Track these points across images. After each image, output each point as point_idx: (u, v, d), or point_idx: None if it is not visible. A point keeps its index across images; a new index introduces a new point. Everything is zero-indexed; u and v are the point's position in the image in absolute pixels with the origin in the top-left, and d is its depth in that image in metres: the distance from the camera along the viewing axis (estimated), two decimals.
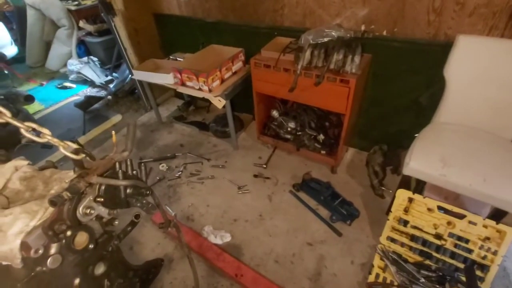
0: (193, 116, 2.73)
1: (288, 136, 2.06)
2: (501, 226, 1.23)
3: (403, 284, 1.32)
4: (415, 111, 1.70)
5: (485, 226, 1.27)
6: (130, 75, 2.84)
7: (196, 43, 2.38)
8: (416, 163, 1.31)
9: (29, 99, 2.94)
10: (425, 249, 1.38)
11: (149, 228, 1.73)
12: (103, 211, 0.65)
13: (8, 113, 0.53)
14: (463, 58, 1.34)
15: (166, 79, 2.07)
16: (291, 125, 2.02)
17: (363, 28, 1.62)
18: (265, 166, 2.08)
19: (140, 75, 2.25)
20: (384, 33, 1.57)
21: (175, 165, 2.17)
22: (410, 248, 1.42)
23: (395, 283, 1.34)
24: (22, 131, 0.54)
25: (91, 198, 0.62)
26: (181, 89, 2.05)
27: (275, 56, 1.71)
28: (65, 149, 0.58)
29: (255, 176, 2.01)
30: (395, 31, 1.54)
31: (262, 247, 1.59)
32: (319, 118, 2.02)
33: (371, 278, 1.38)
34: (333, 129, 2.01)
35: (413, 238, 1.41)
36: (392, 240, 1.46)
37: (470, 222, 1.29)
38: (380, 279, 1.38)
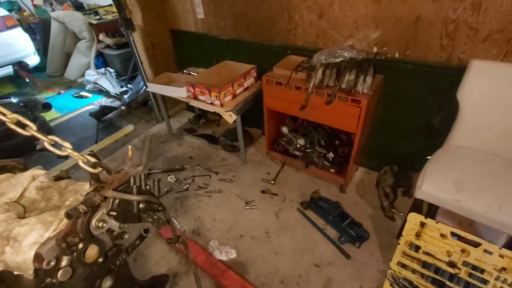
0: (203, 129, 2.76)
1: (297, 153, 2.06)
2: None
3: None
4: (427, 133, 1.68)
5: (501, 256, 1.22)
6: (144, 87, 2.92)
7: (210, 59, 2.44)
8: (429, 186, 1.28)
9: (47, 106, 3.05)
10: (437, 277, 1.33)
11: (154, 240, 1.72)
12: (114, 224, 0.66)
13: (34, 127, 0.56)
14: (477, 83, 1.33)
15: (179, 92, 2.12)
16: (301, 142, 2.03)
17: (375, 49, 1.64)
18: (273, 182, 2.07)
19: (154, 88, 2.31)
20: (397, 55, 1.58)
21: (183, 177, 2.19)
22: (422, 275, 1.36)
23: None
24: (45, 144, 0.56)
25: (104, 212, 0.62)
26: (193, 103, 2.09)
27: (287, 74, 1.74)
28: (84, 163, 0.59)
29: (263, 192, 2.00)
30: (408, 53, 1.55)
31: (267, 265, 1.55)
32: (329, 136, 2.02)
33: None
34: (343, 147, 2.00)
35: (425, 265, 1.36)
36: (403, 265, 1.41)
37: (485, 250, 1.23)
38: None
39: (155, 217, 0.68)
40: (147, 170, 2.26)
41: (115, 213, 0.63)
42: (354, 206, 1.84)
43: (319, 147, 1.97)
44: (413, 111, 1.69)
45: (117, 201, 0.64)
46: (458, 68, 1.38)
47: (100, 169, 0.62)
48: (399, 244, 1.40)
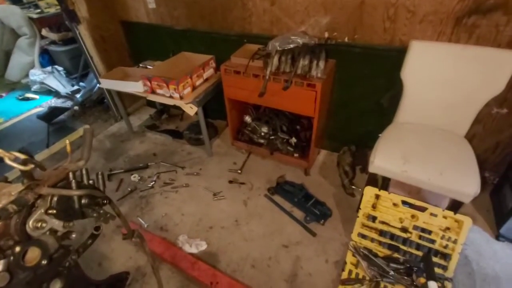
0: (166, 124, 2.68)
1: (262, 141, 2.09)
2: (458, 216, 1.32)
3: (374, 278, 1.37)
4: (378, 113, 1.79)
5: (445, 217, 1.36)
6: (97, 84, 2.74)
7: (166, 51, 2.36)
8: (380, 161, 1.38)
9: None
10: (393, 242, 1.45)
11: (119, 242, 1.66)
12: (56, 224, 0.62)
13: None
14: (416, 62, 1.44)
15: (135, 87, 2.02)
16: (264, 129, 2.05)
17: (326, 35, 1.69)
18: (240, 171, 2.08)
19: (107, 84, 2.18)
20: (346, 39, 1.65)
21: (147, 175, 2.11)
22: (380, 242, 1.48)
23: (367, 278, 1.39)
24: None
25: (43, 211, 0.58)
26: (151, 97, 2.01)
27: (245, 62, 1.74)
28: (10, 160, 0.55)
29: (230, 182, 2.01)
30: (356, 37, 1.62)
31: (238, 252, 1.58)
32: (291, 122, 2.07)
33: (345, 275, 1.41)
34: (305, 132, 2.07)
35: (381, 233, 1.47)
36: (363, 236, 1.51)
37: (431, 214, 1.37)
38: (353, 275, 1.42)
39: (101, 211, 0.65)
40: (108, 171, 2.15)
41: (54, 211, 0.59)
42: (318, 187, 1.92)
43: (281, 133, 2.01)
44: (364, 92, 1.79)
45: (55, 198, 0.60)
46: (400, 50, 1.48)
47: (32, 165, 0.57)
48: (358, 216, 1.50)
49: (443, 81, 1.43)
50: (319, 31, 1.71)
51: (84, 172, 0.68)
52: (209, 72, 2.12)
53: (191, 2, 2.04)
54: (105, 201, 0.65)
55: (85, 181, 0.67)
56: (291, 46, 1.59)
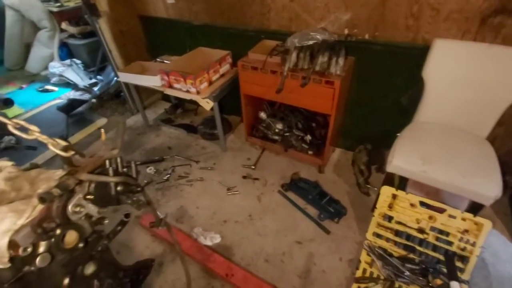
0: (181, 118, 2.71)
1: (276, 137, 2.09)
2: (478, 219, 1.30)
3: (389, 278, 1.37)
4: (397, 111, 1.77)
5: (463, 219, 1.34)
6: (115, 78, 2.79)
7: (183, 46, 2.38)
8: (399, 160, 1.37)
9: (8, 102, 2.83)
10: (408, 243, 1.43)
11: (137, 232, 1.70)
12: (92, 209, 0.64)
13: None
14: (439, 61, 1.42)
15: (153, 81, 2.05)
16: (279, 126, 2.06)
17: (346, 31, 1.68)
18: (253, 167, 2.10)
19: (126, 77, 2.22)
20: (366, 36, 1.64)
21: (163, 168, 2.15)
22: (395, 243, 1.47)
23: (381, 277, 1.39)
24: (10, 127, 0.54)
25: (81, 196, 0.61)
26: (168, 91, 2.04)
27: (262, 58, 1.75)
28: (54, 146, 0.57)
29: (244, 177, 2.03)
30: (376, 34, 1.61)
31: (252, 247, 1.60)
32: (306, 119, 2.06)
33: (359, 273, 1.41)
34: (320, 129, 2.06)
35: (397, 233, 1.46)
36: (378, 235, 1.50)
37: (450, 215, 1.35)
38: (367, 274, 1.42)
39: (135, 198, 0.68)
40: (125, 163, 2.20)
41: (92, 197, 0.62)
42: (332, 185, 1.92)
43: (296, 130, 2.01)
44: (383, 91, 1.77)
45: (93, 185, 0.62)
46: (423, 48, 1.46)
47: (72, 152, 0.60)
48: (373, 216, 1.49)
49: (466, 81, 1.40)
50: (339, 27, 1.70)
51: (118, 160, 0.70)
52: (225, 67, 2.13)
53: None
54: (139, 189, 0.68)
55: (120, 169, 0.70)
56: (310, 42, 1.59)
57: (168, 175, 2.08)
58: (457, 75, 1.40)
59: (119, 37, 2.45)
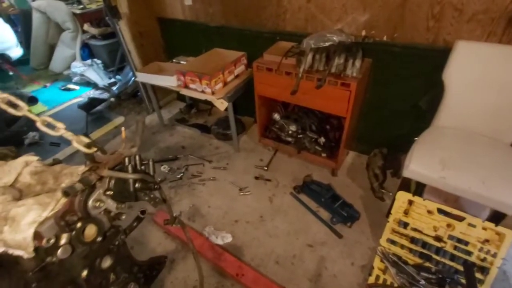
0: (195, 118, 2.75)
1: (289, 139, 2.08)
2: (500, 229, 1.25)
3: (403, 286, 1.33)
4: (415, 115, 1.73)
5: (484, 229, 1.29)
6: (133, 78, 2.87)
7: (199, 47, 2.42)
8: (416, 165, 1.33)
9: (33, 100, 2.98)
10: (425, 251, 1.39)
11: (150, 228, 1.74)
12: (111, 204, 0.67)
13: (26, 107, 0.56)
14: (461, 63, 1.37)
15: (169, 81, 2.10)
16: (292, 128, 2.05)
17: (363, 33, 1.65)
18: (266, 168, 2.10)
19: (143, 77, 2.28)
20: (385, 38, 1.60)
21: (176, 167, 2.19)
22: (410, 250, 1.43)
23: (395, 285, 1.35)
24: (38, 124, 0.57)
25: (101, 191, 0.63)
26: (184, 91, 2.08)
27: (277, 59, 1.75)
28: (78, 143, 0.60)
29: (256, 178, 2.03)
30: (395, 36, 1.57)
31: (262, 248, 1.60)
32: (320, 121, 2.05)
33: (371, 280, 1.39)
34: (334, 132, 2.04)
35: (413, 240, 1.42)
36: (392, 242, 1.47)
37: (469, 224, 1.30)
38: (380, 281, 1.39)
39: (152, 195, 0.69)
40: (143, 161, 2.25)
41: (111, 193, 0.64)
42: (346, 188, 1.89)
43: (310, 132, 1.99)
44: (401, 93, 1.73)
45: (113, 181, 0.65)
46: (444, 50, 1.41)
47: (95, 149, 0.62)
48: (388, 221, 1.46)
49: (490, 85, 1.34)
50: (356, 29, 1.68)
51: (137, 158, 0.72)
52: (240, 68, 2.15)
53: None
54: (156, 186, 0.69)
55: (138, 167, 0.72)
56: (327, 44, 1.57)
57: (182, 174, 2.12)
58: (480, 78, 1.35)
59: (137, 38, 2.52)
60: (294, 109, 2.17)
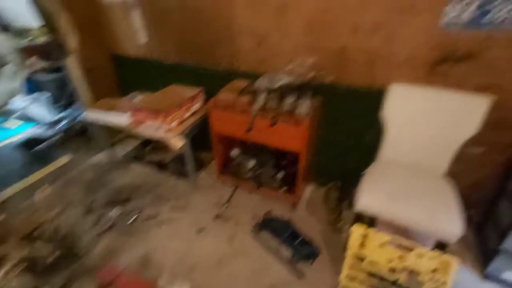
0: (151, 155, 2.62)
1: (249, 175, 2.07)
2: (445, 257, 1.31)
3: None
4: (363, 150, 1.83)
5: (431, 258, 1.34)
6: (82, 114, 2.70)
7: (155, 83, 2.38)
8: (365, 199, 1.38)
9: None
10: (382, 285, 1.40)
11: None
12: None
13: None
14: (395, 103, 1.52)
15: (121, 119, 2.01)
16: (251, 163, 2.05)
17: (312, 74, 1.77)
18: (225, 206, 2.03)
19: (93, 115, 2.16)
20: (330, 79, 1.73)
21: (129, 209, 2.02)
22: (370, 285, 1.43)
23: None
24: None
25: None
26: (137, 130, 1.99)
27: (233, 98, 1.78)
28: None
29: (216, 217, 1.95)
30: (339, 78, 1.71)
31: None
32: (278, 157, 2.08)
33: None
34: (292, 166, 2.07)
35: (371, 274, 1.43)
36: (353, 277, 1.46)
37: (418, 254, 1.35)
38: None
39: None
40: (86, 207, 2.05)
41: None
42: (305, 223, 1.88)
43: (269, 168, 2.01)
44: (349, 130, 1.84)
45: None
46: (381, 91, 1.56)
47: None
48: (346, 257, 1.46)
49: (420, 122, 1.50)
50: (305, 70, 1.78)
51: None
52: (197, 105, 2.14)
53: (180, 38, 2.12)
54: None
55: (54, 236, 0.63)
56: (279, 84, 1.65)
57: (135, 216, 1.95)
58: (411, 116, 1.50)
59: (88, 74, 2.42)
60: (253, 145, 2.19)
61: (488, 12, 1.25)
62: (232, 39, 1.92)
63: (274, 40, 1.78)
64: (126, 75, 2.61)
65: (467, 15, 1.28)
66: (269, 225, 1.81)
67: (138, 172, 2.42)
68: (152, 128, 1.93)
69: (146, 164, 2.46)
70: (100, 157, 2.61)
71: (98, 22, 2.39)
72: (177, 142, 1.88)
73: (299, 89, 1.65)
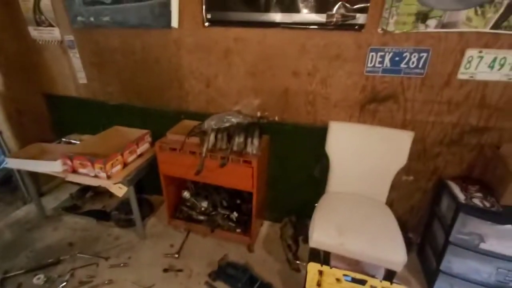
0: (91, 204, 2.34)
1: (202, 217, 1.96)
2: (394, 286, 1.35)
3: None
4: (313, 184, 1.90)
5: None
6: (5, 162, 2.33)
7: (97, 124, 2.21)
8: (318, 235, 1.40)
9: None
10: None
11: None
12: None
13: None
14: (336, 138, 1.64)
15: (52, 167, 1.78)
16: (204, 205, 1.96)
17: (259, 114, 1.84)
18: (177, 255, 1.85)
19: (17, 163, 1.88)
20: (276, 118, 1.81)
21: (57, 274, 1.71)
22: None
23: None
24: None
25: None
26: (71, 178, 1.77)
27: (181, 139, 1.73)
28: None
29: (165, 270, 1.75)
30: (284, 117, 1.80)
31: None
32: (231, 196, 2.03)
33: None
34: (246, 205, 2.03)
35: None
36: None
37: (371, 286, 1.38)
38: None
39: None
40: (2, 274, 1.68)
41: None
42: (263, 265, 1.80)
43: (222, 208, 1.94)
44: (298, 165, 1.91)
45: None
46: (322, 128, 1.68)
47: None
48: None
49: (358, 155, 1.63)
50: (252, 110, 1.85)
51: None
52: (144, 147, 2.02)
53: (128, 80, 2.05)
54: None
55: None
56: (227, 124, 1.67)
57: (64, 283, 1.65)
58: (351, 150, 1.63)
59: (14, 116, 2.15)
60: (205, 185, 2.11)
61: (400, 62, 1.49)
62: (181, 82, 1.92)
63: (221, 82, 1.84)
64: (64, 117, 2.39)
65: (383, 64, 1.51)
66: (225, 272, 1.69)
67: (72, 226, 2.10)
68: (88, 175, 1.75)
69: (84, 214, 2.17)
70: (24, 211, 2.23)
71: (31, 61, 2.20)
72: (119, 190, 1.72)
73: (247, 129, 1.68)
